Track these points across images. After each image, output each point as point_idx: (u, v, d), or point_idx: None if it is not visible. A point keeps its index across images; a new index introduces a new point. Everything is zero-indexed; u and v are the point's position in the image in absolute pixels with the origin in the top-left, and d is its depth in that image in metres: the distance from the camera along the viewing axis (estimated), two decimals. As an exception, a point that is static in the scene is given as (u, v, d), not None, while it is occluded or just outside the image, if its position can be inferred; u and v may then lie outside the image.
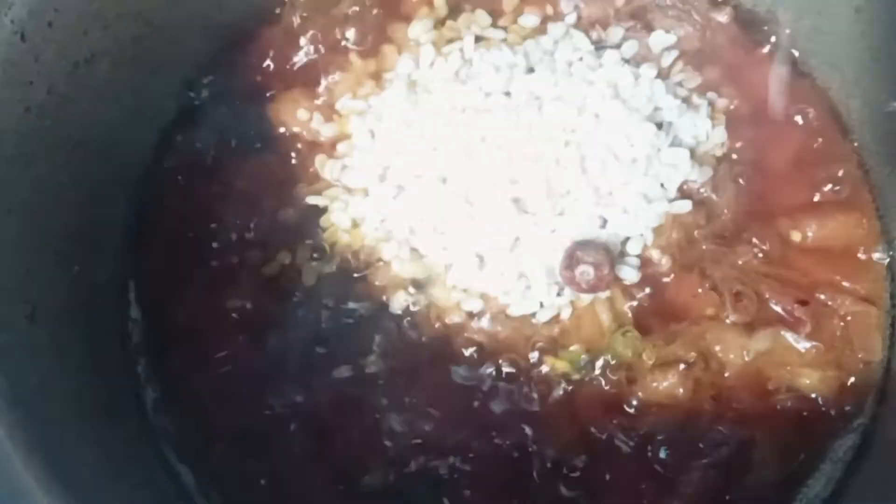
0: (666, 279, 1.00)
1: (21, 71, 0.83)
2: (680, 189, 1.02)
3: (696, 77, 1.09)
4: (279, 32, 1.13)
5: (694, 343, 0.97)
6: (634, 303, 0.99)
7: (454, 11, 1.14)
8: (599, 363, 0.97)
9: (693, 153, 1.03)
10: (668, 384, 0.95)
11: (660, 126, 1.02)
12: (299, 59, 1.12)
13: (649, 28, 1.11)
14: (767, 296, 0.98)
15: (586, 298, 0.98)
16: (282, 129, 1.09)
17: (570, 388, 0.97)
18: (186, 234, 1.05)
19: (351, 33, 1.13)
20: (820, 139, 1.07)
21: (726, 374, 0.97)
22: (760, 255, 1.00)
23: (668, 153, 1.01)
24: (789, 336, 0.97)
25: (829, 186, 1.05)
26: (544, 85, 1.04)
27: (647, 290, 0.99)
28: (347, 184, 1.05)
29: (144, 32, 0.99)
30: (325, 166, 1.06)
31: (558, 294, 0.98)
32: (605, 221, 1.00)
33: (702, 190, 1.03)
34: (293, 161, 1.08)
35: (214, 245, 1.04)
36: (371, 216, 1.03)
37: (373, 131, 1.06)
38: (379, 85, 1.09)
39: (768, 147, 1.06)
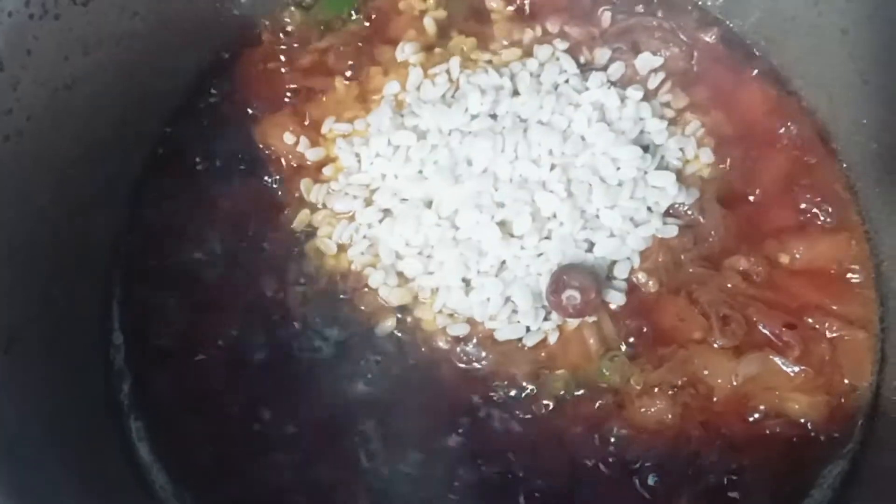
0: (653, 303, 0.99)
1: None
2: (667, 212, 1.02)
3: (682, 98, 1.09)
4: (264, 55, 1.13)
5: (682, 367, 0.96)
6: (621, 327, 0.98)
7: (442, 34, 1.14)
8: (586, 388, 0.96)
9: (680, 175, 1.03)
10: (656, 409, 0.94)
11: (646, 149, 1.02)
12: (285, 82, 1.11)
13: (636, 49, 1.11)
14: (755, 319, 0.98)
15: (573, 323, 0.97)
16: (268, 153, 1.08)
17: (557, 413, 0.95)
18: (171, 258, 1.04)
19: (337, 56, 1.13)
20: (808, 160, 1.07)
21: (715, 399, 0.96)
22: (748, 278, 1.00)
23: (655, 176, 1.01)
24: (778, 360, 0.96)
25: (817, 208, 1.04)
26: (530, 107, 1.03)
27: (634, 314, 0.98)
28: (333, 208, 1.04)
29: (126, 57, 0.98)
30: (310, 190, 1.05)
31: (545, 318, 0.98)
32: (591, 245, 0.99)
33: (689, 212, 1.02)
34: (279, 184, 1.07)
35: (199, 269, 1.03)
36: (357, 240, 1.02)
37: (358, 154, 1.06)
38: (365, 108, 1.09)
39: (756, 168, 1.05)
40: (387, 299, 0.99)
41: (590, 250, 0.99)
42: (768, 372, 0.96)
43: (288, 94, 1.10)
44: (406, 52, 1.11)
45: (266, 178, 1.07)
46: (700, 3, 1.14)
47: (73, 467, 0.87)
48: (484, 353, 0.97)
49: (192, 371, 0.99)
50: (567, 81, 1.07)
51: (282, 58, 1.12)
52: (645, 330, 0.98)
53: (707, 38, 1.12)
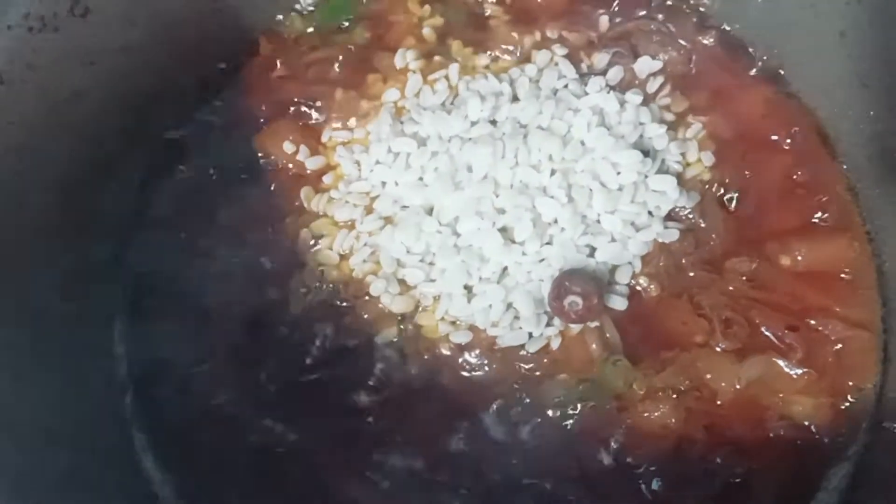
0: (655, 307, 0.99)
1: (1, 113, 0.83)
2: (668, 216, 1.02)
3: (682, 102, 1.09)
4: (264, 65, 1.13)
5: (685, 371, 0.96)
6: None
7: (440, 41, 1.14)
8: (590, 393, 0.96)
9: (680, 179, 1.03)
10: (659, 413, 0.94)
11: (646, 153, 1.02)
12: (285, 91, 1.12)
13: (635, 53, 1.11)
14: (758, 322, 0.98)
15: (576, 328, 0.97)
16: (267, 162, 1.08)
17: (561, 419, 0.95)
18: (172, 268, 1.04)
19: (336, 64, 1.13)
20: (808, 162, 1.07)
21: (718, 403, 0.95)
22: (750, 280, 1.00)
23: (655, 180, 1.01)
24: (781, 363, 0.96)
25: (819, 210, 1.04)
26: (529, 113, 1.04)
27: (637, 319, 0.98)
28: (334, 216, 1.04)
29: (127, 68, 0.99)
30: (310, 198, 1.05)
31: (547, 324, 0.98)
32: (592, 250, 0.99)
33: (689, 216, 1.02)
34: (279, 193, 1.07)
35: (200, 279, 1.03)
36: (358, 248, 1.02)
37: (359, 162, 1.06)
38: (365, 115, 1.09)
39: (755, 171, 1.05)
40: (389, 307, 0.99)
41: (591, 255, 0.99)
42: (772, 375, 0.95)
43: (288, 102, 1.10)
44: (405, 59, 1.11)
45: (266, 186, 1.07)
46: (699, 6, 1.14)
47: (77, 479, 0.87)
48: (486, 360, 0.97)
49: (195, 382, 0.99)
50: (566, 86, 1.07)
51: (281, 67, 1.13)
52: (647, 334, 0.98)
53: (706, 42, 1.12)
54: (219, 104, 1.11)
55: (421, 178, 1.03)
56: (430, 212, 1.01)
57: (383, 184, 1.04)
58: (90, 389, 0.98)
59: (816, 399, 0.95)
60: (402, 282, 1.00)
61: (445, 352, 0.98)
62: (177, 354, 1.00)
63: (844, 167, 1.07)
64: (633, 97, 1.06)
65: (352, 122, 1.09)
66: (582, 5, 1.13)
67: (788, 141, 1.08)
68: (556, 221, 0.99)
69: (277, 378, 0.99)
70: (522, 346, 0.97)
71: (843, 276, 1.02)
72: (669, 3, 1.14)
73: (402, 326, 0.99)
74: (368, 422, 0.97)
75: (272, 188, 1.07)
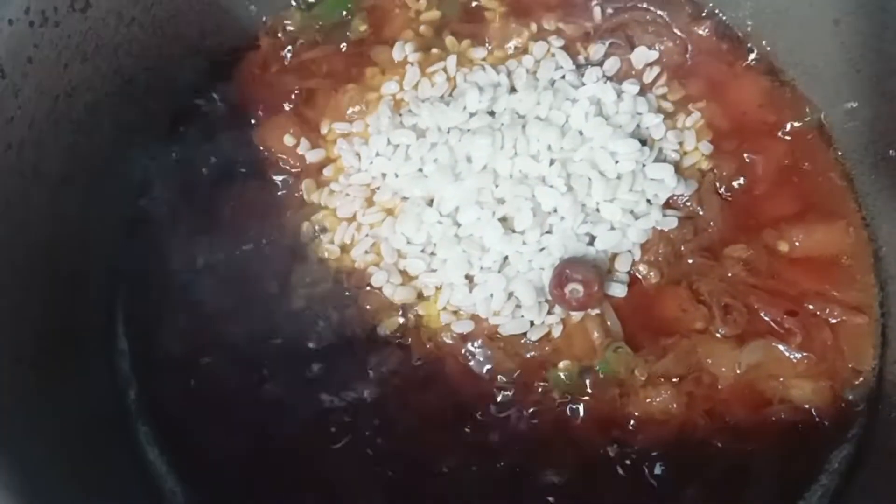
0: (655, 294, 1.00)
1: (1, 108, 0.83)
2: (666, 204, 1.03)
3: (678, 91, 1.10)
4: (264, 59, 1.14)
5: (685, 357, 0.96)
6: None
7: (437, 34, 1.15)
8: (592, 380, 0.97)
9: (678, 167, 1.04)
10: (661, 399, 0.95)
11: (644, 142, 1.03)
12: (285, 84, 1.12)
13: (631, 44, 1.12)
14: (756, 307, 0.99)
15: (577, 316, 0.98)
16: (268, 155, 1.08)
17: (563, 406, 0.96)
18: (174, 263, 1.04)
19: (335, 57, 1.13)
20: (804, 149, 1.08)
21: (719, 388, 0.96)
22: (748, 267, 1.00)
23: (653, 168, 1.02)
24: (780, 347, 0.96)
25: (815, 196, 1.05)
26: (527, 104, 1.04)
27: (637, 306, 0.99)
28: (335, 208, 1.04)
29: (126, 64, 0.99)
30: (311, 191, 1.06)
31: (549, 312, 0.98)
32: (592, 238, 1.00)
33: (688, 204, 1.03)
34: (280, 187, 1.07)
35: (202, 273, 1.03)
36: (359, 240, 1.02)
37: (359, 154, 1.06)
38: (364, 108, 1.09)
39: (752, 159, 1.06)
40: (391, 298, 1.00)
41: (591, 244, 1.00)
42: (771, 359, 0.96)
43: (288, 96, 1.11)
44: (403, 51, 1.12)
45: (267, 180, 1.07)
46: (693, -4, 1.15)
47: (81, 473, 0.87)
48: (488, 349, 0.98)
49: (199, 375, 0.99)
50: (563, 77, 1.08)
51: (281, 61, 1.13)
52: (647, 321, 0.98)
53: (701, 31, 1.13)
54: (218, 98, 1.11)
55: (421, 170, 1.03)
56: (430, 203, 1.02)
57: (383, 175, 1.05)
58: (94, 384, 0.98)
59: (816, 382, 0.96)
60: (403, 272, 1.01)
61: (448, 341, 0.98)
62: (180, 349, 1.01)
63: (840, 154, 1.08)
64: (630, 87, 1.07)
65: (351, 114, 1.09)
66: (577, -3, 1.14)
67: (784, 129, 1.09)
68: (555, 210, 1.00)
69: (280, 371, 0.99)
70: (524, 335, 0.98)
71: (840, 261, 1.03)
72: (664, -7, 1.15)
73: (404, 317, 1.00)
74: (371, 412, 0.97)
75: (273, 182, 1.07)
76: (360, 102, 1.09)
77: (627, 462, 0.94)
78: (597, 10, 1.14)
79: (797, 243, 1.02)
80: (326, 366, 0.99)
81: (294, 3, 1.16)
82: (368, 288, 1.01)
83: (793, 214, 1.04)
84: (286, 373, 0.99)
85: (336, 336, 1.00)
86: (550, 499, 0.94)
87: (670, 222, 1.01)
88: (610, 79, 1.08)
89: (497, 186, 1.00)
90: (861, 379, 0.97)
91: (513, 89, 1.08)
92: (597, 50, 1.11)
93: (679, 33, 1.12)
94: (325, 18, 1.14)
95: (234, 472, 0.96)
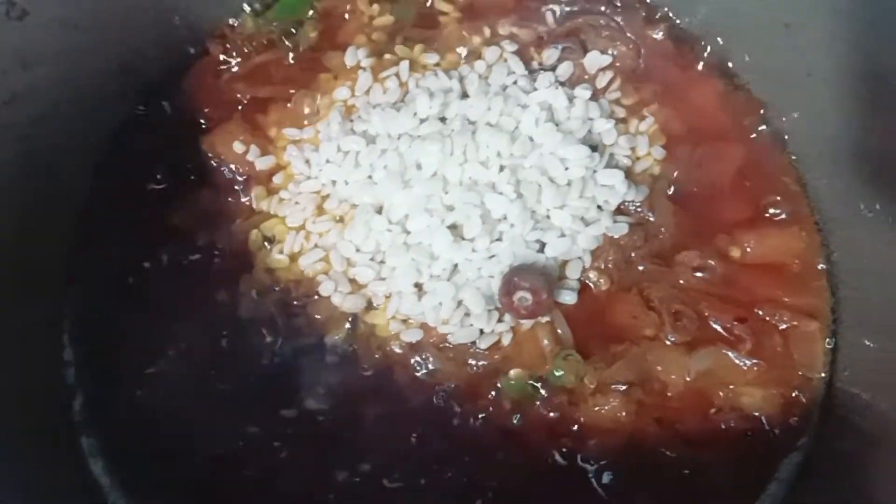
0: (605, 301, 0.99)
1: (-64, 116, 0.82)
2: (617, 210, 1.02)
3: (632, 96, 1.09)
4: (213, 66, 1.13)
5: (635, 364, 0.96)
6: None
7: (390, 39, 1.14)
8: (541, 388, 0.96)
9: (629, 173, 1.03)
10: (610, 407, 0.94)
11: (595, 148, 1.02)
12: (234, 91, 1.11)
13: (584, 49, 1.11)
14: (707, 314, 0.98)
15: (527, 324, 0.97)
16: (217, 163, 1.07)
17: (512, 415, 0.95)
18: (121, 271, 1.03)
19: (286, 64, 1.13)
20: (757, 154, 1.08)
21: (669, 395, 0.96)
22: (699, 273, 1.00)
23: (604, 174, 1.01)
24: (730, 354, 0.96)
25: (768, 201, 1.04)
26: (478, 110, 1.04)
27: (587, 313, 0.98)
28: (284, 216, 1.03)
29: (70, 71, 0.98)
30: (261, 199, 1.05)
31: (498, 321, 0.97)
32: (542, 245, 0.99)
33: (639, 210, 1.02)
34: (229, 195, 1.06)
35: (149, 282, 1.03)
36: (308, 248, 1.02)
37: (309, 161, 1.05)
38: (314, 114, 1.09)
39: (705, 164, 1.06)
40: (340, 306, 0.99)
41: (541, 251, 0.99)
42: (721, 366, 0.96)
43: (237, 103, 1.10)
44: (356, 57, 1.11)
45: (216, 187, 1.06)
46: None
47: (24, 485, 0.86)
48: (438, 358, 0.97)
49: (145, 385, 0.98)
50: (515, 83, 1.07)
51: (230, 68, 1.12)
52: (597, 328, 0.98)
53: (655, 35, 1.12)
54: (167, 106, 1.11)
55: (370, 177, 1.02)
56: (379, 210, 1.01)
57: (333, 183, 1.04)
58: (37, 395, 0.97)
59: (766, 390, 0.96)
60: (352, 281, 1.00)
61: (397, 350, 0.98)
62: (126, 358, 1.00)
63: (793, 158, 1.07)
64: (583, 92, 1.06)
65: (302, 120, 1.08)
66: (531, 1, 1.13)
67: (737, 133, 1.08)
68: (505, 217, 0.99)
69: (228, 380, 0.98)
70: (474, 343, 0.97)
71: (792, 266, 1.02)
72: (618, -2, 1.14)
73: (353, 326, 0.99)
74: (320, 422, 0.96)
75: (222, 188, 1.06)
76: (311, 108, 1.08)
77: (576, 470, 0.93)
78: (550, 15, 1.13)
79: (749, 249, 1.01)
80: (275, 375, 0.98)
81: (246, 9, 1.15)
82: (317, 297, 1.00)
83: (745, 220, 1.04)
84: (234, 383, 0.98)
85: (285, 345, 0.99)
86: (498, 507, 0.93)
87: (621, 228, 1.00)
88: (563, 84, 1.08)
89: (446, 193, 1.00)
90: (811, 387, 0.97)
91: (465, 95, 1.07)
92: (550, 55, 1.10)
93: (633, 37, 1.12)
94: (278, 24, 1.13)
95: (181, 485, 0.95)
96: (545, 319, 0.97)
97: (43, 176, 0.99)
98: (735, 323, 0.97)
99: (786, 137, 1.08)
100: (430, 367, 0.97)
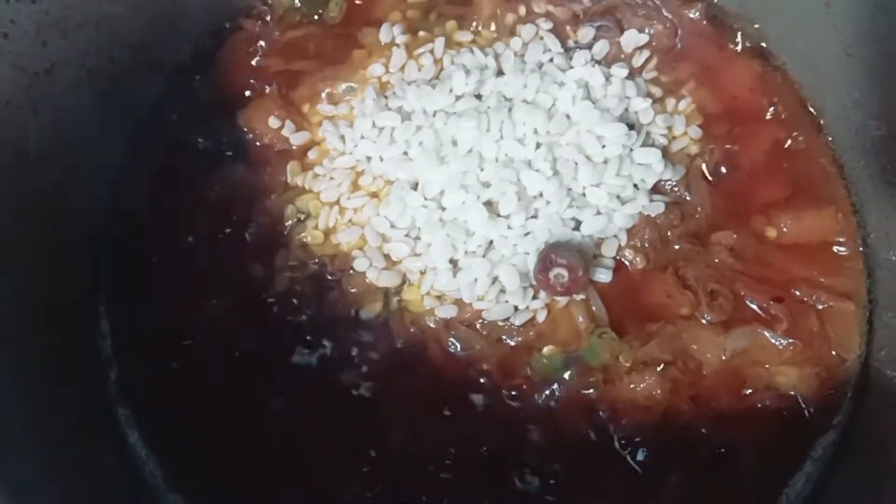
0: (640, 280, 0.99)
1: (-24, 84, 0.82)
2: (653, 189, 1.01)
3: (668, 75, 1.09)
4: (248, 40, 1.12)
5: (670, 343, 0.96)
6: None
7: (425, 16, 1.13)
8: (576, 366, 0.96)
9: (666, 152, 1.03)
10: (645, 385, 0.94)
11: (631, 126, 1.02)
12: (270, 66, 1.11)
13: (620, 27, 1.10)
14: (743, 294, 0.98)
15: (561, 301, 0.97)
16: (252, 137, 1.07)
17: (548, 392, 0.95)
18: (157, 246, 1.04)
19: (321, 39, 1.12)
20: (793, 135, 1.07)
21: (704, 374, 0.96)
22: (735, 253, 1.00)
23: (641, 153, 1.01)
24: (766, 334, 0.96)
25: (804, 182, 1.04)
26: (514, 87, 1.03)
27: (622, 291, 0.98)
28: (319, 191, 1.03)
29: (107, 42, 0.98)
30: (296, 174, 1.05)
31: (533, 297, 0.97)
32: (578, 223, 0.99)
33: (675, 189, 1.02)
34: (264, 170, 1.06)
35: (185, 255, 1.03)
36: (343, 224, 1.02)
37: (343, 137, 1.05)
38: (350, 90, 1.09)
39: (741, 144, 1.05)
40: (374, 282, 0.99)
41: (577, 228, 0.99)
42: (757, 346, 0.95)
43: (272, 78, 1.10)
44: (391, 33, 1.11)
45: (251, 162, 1.06)
46: (683, -21, 1.14)
47: (61, 454, 0.87)
48: (472, 334, 0.97)
49: (180, 357, 0.99)
50: (551, 60, 1.07)
51: (266, 43, 1.12)
52: (633, 307, 0.98)
53: (691, 15, 1.11)
54: (202, 80, 1.10)
55: (406, 153, 1.02)
56: (415, 186, 1.01)
57: (368, 159, 1.04)
58: (74, 366, 0.97)
59: (801, 369, 0.95)
60: (387, 256, 1.00)
61: (431, 325, 0.98)
62: (162, 331, 1.00)
63: (829, 139, 1.07)
64: (619, 70, 1.06)
65: (336, 97, 1.08)
66: (568, -22, 1.13)
67: (774, 114, 1.08)
68: (541, 195, 0.99)
69: (262, 353, 0.98)
70: (508, 320, 0.97)
71: (828, 247, 1.02)
72: (655, -24, 1.14)
73: (387, 301, 0.99)
74: (353, 396, 0.96)
75: (257, 164, 1.06)
76: (345, 84, 1.08)
77: (610, 447, 0.93)
78: (587, -7, 1.13)
79: (785, 229, 1.01)
80: (309, 349, 0.98)
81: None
82: (352, 272, 1.00)
83: (782, 200, 1.03)
84: (268, 355, 0.98)
85: (319, 319, 0.99)
86: (532, 483, 0.93)
87: (657, 207, 1.00)
88: (598, 62, 1.07)
89: (482, 170, 0.99)
90: (847, 366, 0.97)
91: (500, 72, 1.07)
92: (585, 33, 1.10)
93: (669, 17, 1.11)
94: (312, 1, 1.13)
95: (215, 455, 0.95)
96: (580, 297, 0.97)
97: (78, 147, 0.99)
98: (771, 303, 0.97)
99: (822, 118, 1.07)
100: (464, 342, 0.97)
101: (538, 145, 1.00)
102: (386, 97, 1.06)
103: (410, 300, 0.99)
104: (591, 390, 0.95)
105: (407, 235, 1.00)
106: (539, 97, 1.02)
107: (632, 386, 0.94)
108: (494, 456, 0.94)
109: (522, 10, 1.12)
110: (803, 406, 0.95)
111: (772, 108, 1.08)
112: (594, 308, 0.97)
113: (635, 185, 1.01)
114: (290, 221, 1.03)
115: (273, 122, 1.06)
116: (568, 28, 1.11)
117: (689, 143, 1.05)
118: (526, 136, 1.00)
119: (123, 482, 0.96)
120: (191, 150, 1.07)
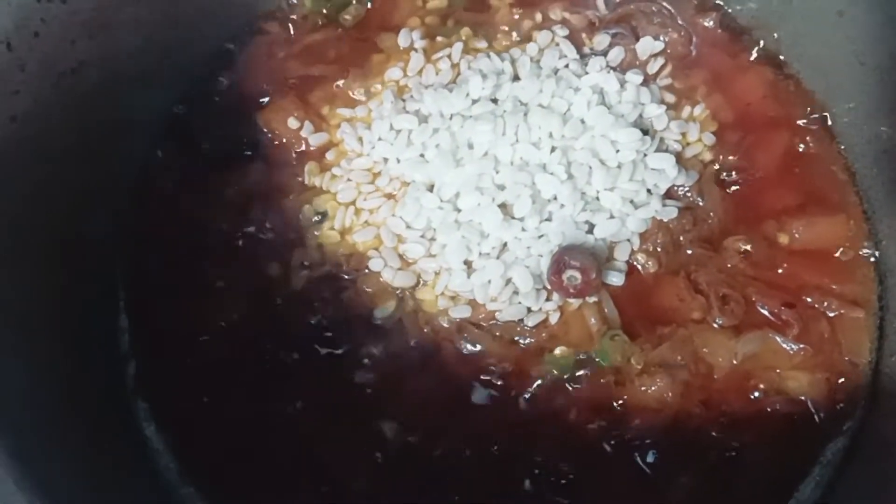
0: (652, 283, 1.00)
1: (6, 81, 0.84)
2: (666, 194, 1.03)
3: (682, 82, 1.10)
4: (270, 43, 1.14)
5: (682, 347, 0.96)
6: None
7: (443, 21, 1.15)
8: (587, 367, 0.97)
9: (679, 158, 1.04)
10: (656, 388, 0.95)
11: (645, 132, 1.03)
12: (290, 68, 1.13)
13: (636, 35, 1.12)
14: (754, 299, 0.98)
15: (574, 303, 0.98)
16: (272, 137, 1.09)
17: (558, 393, 0.96)
18: (176, 243, 1.05)
19: (340, 44, 1.14)
20: (806, 142, 1.08)
21: (715, 378, 0.96)
22: (747, 258, 1.00)
23: (654, 158, 1.02)
24: (777, 339, 0.96)
25: (816, 189, 1.05)
26: (530, 92, 1.05)
27: (634, 295, 0.99)
28: (336, 192, 1.05)
29: (133, 43, 1.00)
30: (314, 174, 1.07)
31: (546, 299, 0.98)
32: (591, 227, 1.00)
33: (688, 194, 1.03)
34: (282, 170, 1.08)
35: (203, 253, 1.04)
36: (359, 224, 1.03)
37: (361, 139, 1.07)
38: (368, 93, 1.10)
39: (754, 151, 1.06)
40: (389, 282, 1.00)
41: (590, 232, 1.00)
42: (768, 350, 0.96)
43: (292, 80, 1.12)
44: (409, 38, 1.12)
45: (270, 162, 1.08)
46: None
47: (79, 449, 0.88)
48: (485, 334, 0.98)
49: (197, 353, 1.00)
50: (567, 66, 1.08)
51: (286, 46, 1.14)
52: (645, 310, 0.99)
53: (706, 23, 1.13)
54: (224, 81, 1.12)
55: (422, 155, 1.04)
56: (430, 188, 1.02)
57: (385, 160, 1.05)
58: (93, 360, 0.99)
59: (812, 374, 0.96)
60: (402, 257, 1.01)
61: (445, 325, 0.99)
62: (179, 327, 1.01)
63: (842, 147, 1.08)
64: (634, 77, 1.07)
65: (356, 99, 1.10)
66: (583, -14, 1.14)
67: (786, 121, 1.08)
68: (555, 198, 1.00)
69: (278, 351, 1.00)
70: (521, 321, 0.98)
71: (839, 254, 1.03)
72: (669, -16, 1.15)
73: (401, 301, 1.00)
74: (366, 394, 0.97)
75: (276, 164, 1.08)
76: (364, 87, 1.10)
77: (621, 449, 0.94)
78: (602, 1, 1.14)
79: (797, 235, 1.02)
80: (324, 347, 1.00)
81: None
82: (367, 271, 1.01)
83: (794, 207, 1.04)
84: (284, 352, 1.00)
85: (334, 318, 1.00)
86: (543, 483, 0.94)
87: (670, 212, 1.01)
88: (614, 69, 1.09)
89: (497, 173, 1.01)
90: (857, 372, 0.97)
91: (516, 77, 1.08)
92: (601, 40, 1.11)
93: (684, 25, 1.12)
94: (332, 4, 1.15)
95: (229, 449, 0.97)
96: (593, 299, 0.98)
97: (102, 145, 1.00)
98: (782, 308, 0.97)
99: (835, 126, 1.08)
100: (477, 343, 0.98)
101: (553, 149, 1.01)
102: (403, 100, 1.08)
103: (425, 300, 1.00)
104: (602, 392, 0.96)
105: (422, 236, 1.01)
106: (554, 102, 1.04)
107: (643, 388, 0.95)
108: (505, 456, 0.95)
109: (539, 17, 1.14)
110: (813, 411, 0.96)
111: (784, 116, 1.08)
112: (606, 310, 0.98)
113: (648, 190, 1.02)
114: (307, 221, 1.04)
115: (292, 123, 1.08)
116: (584, 35, 1.12)
117: (703, 149, 1.06)
118: (541, 139, 1.02)
119: (140, 475, 0.97)
120: (211, 150, 1.09)
